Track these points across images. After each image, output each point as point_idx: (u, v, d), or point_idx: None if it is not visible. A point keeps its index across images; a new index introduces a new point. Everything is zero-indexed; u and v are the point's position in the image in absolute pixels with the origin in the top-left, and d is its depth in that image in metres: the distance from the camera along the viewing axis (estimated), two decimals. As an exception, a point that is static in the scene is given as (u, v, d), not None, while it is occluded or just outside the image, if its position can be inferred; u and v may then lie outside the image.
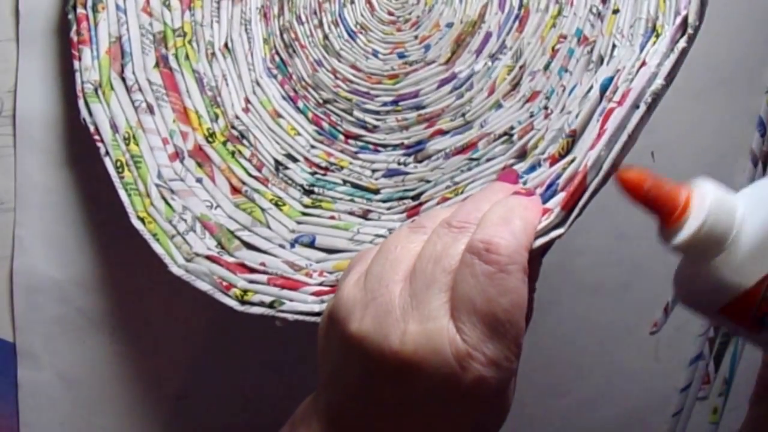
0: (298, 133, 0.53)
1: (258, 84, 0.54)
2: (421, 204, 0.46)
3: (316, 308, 0.41)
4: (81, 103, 0.50)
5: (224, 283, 0.47)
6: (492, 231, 0.29)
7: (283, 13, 0.53)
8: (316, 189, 0.52)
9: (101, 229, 0.55)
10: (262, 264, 0.48)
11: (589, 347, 0.49)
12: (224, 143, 0.52)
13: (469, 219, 0.30)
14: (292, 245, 0.50)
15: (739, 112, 0.62)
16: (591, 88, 0.40)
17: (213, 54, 0.53)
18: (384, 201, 0.49)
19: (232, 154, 0.52)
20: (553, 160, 0.39)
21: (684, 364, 0.68)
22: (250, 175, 0.52)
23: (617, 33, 0.41)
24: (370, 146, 0.51)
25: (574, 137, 0.39)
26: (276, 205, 0.51)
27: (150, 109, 0.51)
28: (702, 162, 0.60)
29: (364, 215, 0.50)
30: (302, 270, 0.48)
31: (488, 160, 0.44)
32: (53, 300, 0.56)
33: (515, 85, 0.45)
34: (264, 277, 0.47)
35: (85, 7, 0.50)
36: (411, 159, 0.49)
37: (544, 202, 0.35)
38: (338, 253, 0.49)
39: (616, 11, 0.42)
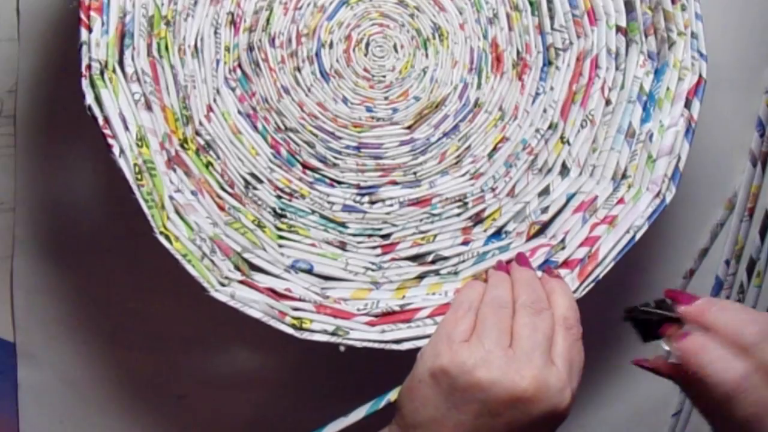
0: (258, 154, 0.51)
1: (218, 93, 0.50)
2: (393, 243, 0.52)
3: (378, 337, 0.47)
4: (85, 85, 0.42)
5: (277, 311, 0.46)
6: (571, 316, 0.45)
7: (255, 29, 0.51)
8: (287, 214, 0.52)
9: (101, 229, 0.55)
10: (288, 290, 0.47)
11: (589, 347, 0.49)
12: (197, 152, 0.48)
13: (542, 302, 0.45)
14: (296, 271, 0.49)
15: (739, 112, 0.62)
16: (548, 190, 0.52)
17: (184, 52, 0.48)
18: (354, 235, 0.52)
19: (206, 165, 0.49)
20: (529, 237, 0.51)
21: (684, 364, 0.68)
22: (225, 190, 0.49)
23: (569, 159, 0.52)
24: (326, 180, 0.53)
25: (543, 226, 0.51)
26: (259, 226, 0.50)
27: (148, 105, 0.45)
28: (702, 162, 0.60)
29: (342, 246, 0.52)
30: (329, 298, 0.48)
31: (447, 218, 0.53)
32: (53, 300, 0.56)
33: (458, 162, 0.54)
34: (310, 305, 0.47)
35: None
36: (365, 199, 0.53)
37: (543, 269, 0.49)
38: (341, 281, 0.50)
39: (565, 141, 0.52)
